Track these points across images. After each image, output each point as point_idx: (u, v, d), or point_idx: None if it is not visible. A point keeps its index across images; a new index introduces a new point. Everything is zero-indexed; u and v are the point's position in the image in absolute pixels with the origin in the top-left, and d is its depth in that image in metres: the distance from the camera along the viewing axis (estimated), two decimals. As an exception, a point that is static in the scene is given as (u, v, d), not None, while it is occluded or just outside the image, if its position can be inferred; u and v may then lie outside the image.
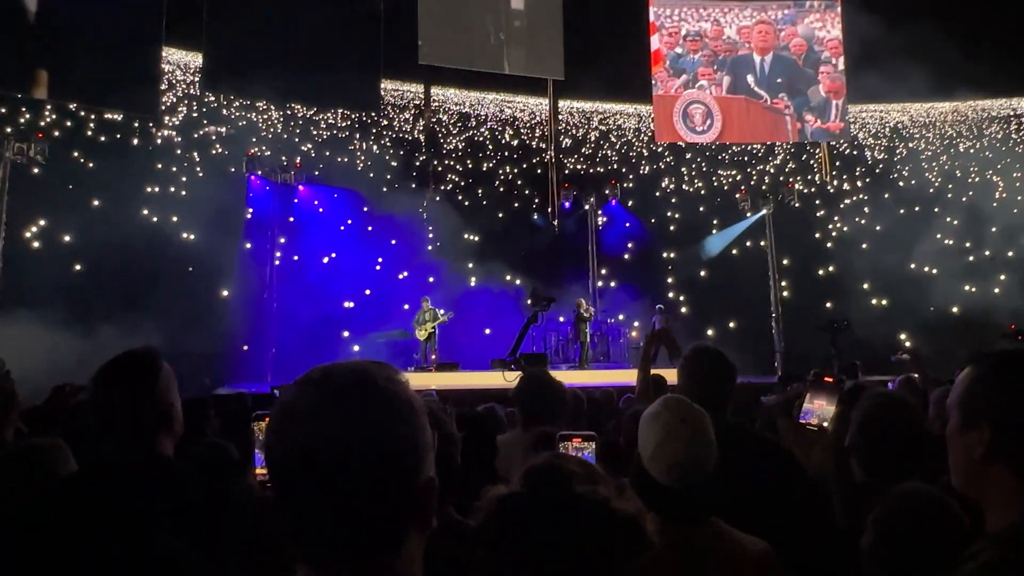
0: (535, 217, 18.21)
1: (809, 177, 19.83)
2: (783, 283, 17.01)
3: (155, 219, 14.36)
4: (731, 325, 16.48)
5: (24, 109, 14.28)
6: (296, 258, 15.56)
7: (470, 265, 16.72)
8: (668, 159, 20.14)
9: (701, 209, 18.86)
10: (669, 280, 18.06)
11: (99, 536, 1.54)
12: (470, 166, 19.15)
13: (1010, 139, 20.77)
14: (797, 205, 17.47)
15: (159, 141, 15.96)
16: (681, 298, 17.71)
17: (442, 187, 18.18)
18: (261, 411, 1.84)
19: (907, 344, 14.83)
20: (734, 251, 17.96)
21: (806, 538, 2.08)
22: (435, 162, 18.65)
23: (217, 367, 13.17)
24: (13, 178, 12.33)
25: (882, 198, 18.86)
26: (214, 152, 16.29)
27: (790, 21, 17.47)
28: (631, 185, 18.86)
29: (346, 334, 14.89)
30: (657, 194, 19.30)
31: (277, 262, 15.30)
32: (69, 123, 15.11)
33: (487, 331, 15.45)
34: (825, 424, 2.49)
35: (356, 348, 14.41)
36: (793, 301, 16.75)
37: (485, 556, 1.19)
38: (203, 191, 14.54)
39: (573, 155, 19.91)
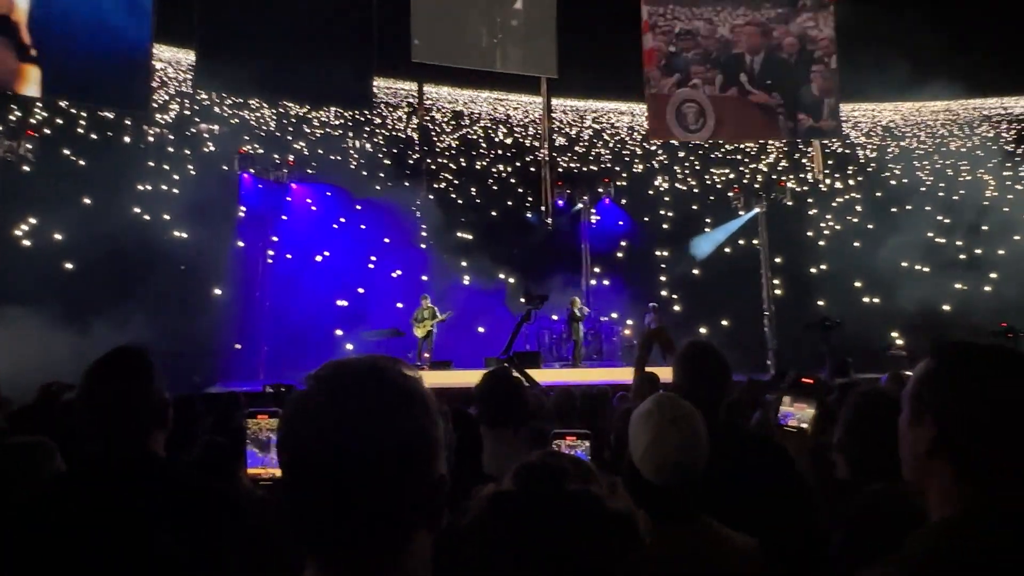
0: (528, 215, 18.19)
1: (802, 175, 19.91)
2: (776, 281, 17.07)
3: (147, 217, 14.27)
4: (724, 323, 16.52)
5: (14, 106, 14.18)
6: (289, 256, 15.48)
7: (463, 263, 16.72)
8: (661, 157, 20.18)
9: (694, 207, 18.90)
10: (662, 278, 18.09)
11: (97, 535, 1.53)
12: (463, 164, 19.14)
13: (1001, 137, 20.91)
14: (790, 203, 17.52)
15: (151, 139, 15.89)
16: (674, 296, 17.75)
17: (435, 185, 18.16)
18: (254, 408, 1.84)
19: (899, 342, 14.93)
20: (727, 249, 18.01)
21: (797, 536, 2.09)
22: (428, 160, 18.63)
23: (209, 365, 13.10)
24: (3, 176, 12.24)
25: (874, 196, 18.95)
26: (206, 150, 16.23)
27: (782, 20, 17.50)
28: (624, 183, 18.89)
29: (339, 332, 14.84)
30: (650, 192, 19.33)
31: (270, 260, 15.25)
32: (60, 120, 15.02)
33: (480, 329, 15.43)
34: (804, 426, 2.49)
35: (349, 347, 14.36)
36: (786, 299, 16.81)
37: (476, 555, 1.19)
38: (195, 189, 14.47)
39: (566, 153, 19.93)
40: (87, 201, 13.64)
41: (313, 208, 16.17)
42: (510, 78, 18.02)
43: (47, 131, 14.46)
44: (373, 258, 16.28)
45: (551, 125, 19.17)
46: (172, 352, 9.88)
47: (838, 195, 19.86)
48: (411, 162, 18.34)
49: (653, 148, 19.91)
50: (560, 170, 18.98)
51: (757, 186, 18.59)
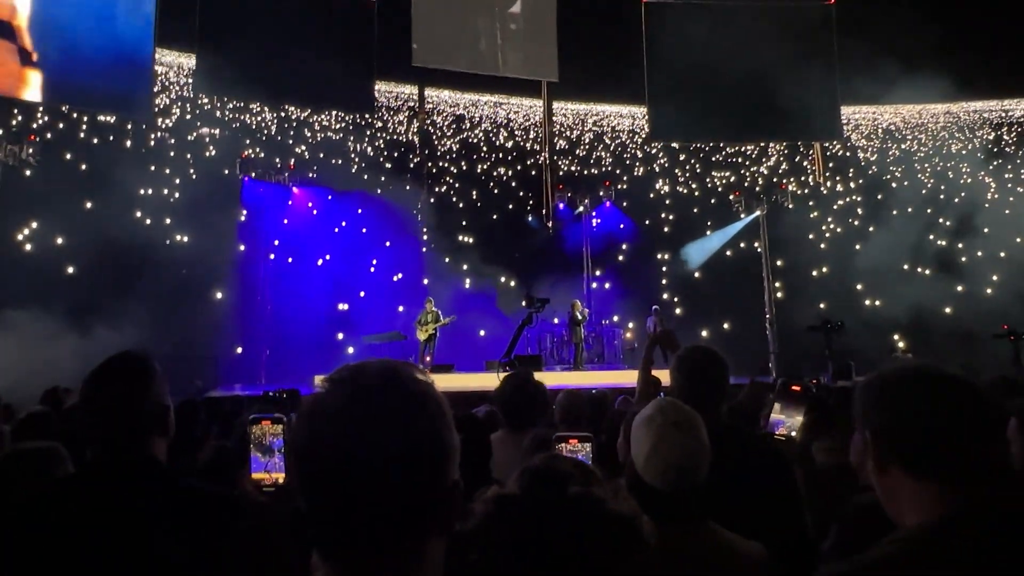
0: (529, 219, 18.20)
1: (803, 178, 19.91)
2: (777, 284, 17.05)
3: (148, 221, 14.29)
4: (725, 326, 16.51)
5: (16, 111, 14.21)
6: (290, 260, 15.49)
7: (464, 267, 16.72)
8: (662, 160, 20.18)
9: (695, 210, 18.90)
10: (663, 281, 18.08)
11: (97, 539, 1.53)
12: (464, 167, 19.14)
13: (1001, 140, 20.91)
14: (791, 206, 17.52)
15: (152, 143, 15.90)
16: (675, 299, 17.74)
17: (436, 189, 18.16)
18: (258, 415, 1.83)
19: (900, 345, 14.92)
20: (728, 252, 18.00)
21: (798, 539, 2.08)
22: (429, 163, 18.64)
23: (210, 369, 13.11)
24: (5, 180, 12.27)
25: (875, 199, 18.94)
26: (207, 154, 16.24)
27: (782, 22, 17.49)
28: (625, 187, 18.90)
29: (340, 336, 14.85)
30: (651, 195, 19.32)
31: (271, 264, 15.27)
32: (62, 125, 15.04)
33: (481, 332, 15.44)
34: (793, 434, 2.47)
35: (351, 350, 14.36)
36: (787, 302, 16.80)
37: (480, 558, 1.19)
38: (197, 193, 14.48)
39: (567, 157, 19.93)
40: (89, 205, 13.65)
41: (314, 212, 16.19)
42: (511, 82, 18.04)
43: (49, 136, 14.49)
44: (374, 262, 16.29)
45: (552, 128, 19.19)
46: (173, 355, 9.89)
47: (839, 198, 19.86)
48: (412, 166, 18.36)
49: (654, 151, 19.92)
50: (561, 173, 18.99)
51: (758, 189, 18.59)
